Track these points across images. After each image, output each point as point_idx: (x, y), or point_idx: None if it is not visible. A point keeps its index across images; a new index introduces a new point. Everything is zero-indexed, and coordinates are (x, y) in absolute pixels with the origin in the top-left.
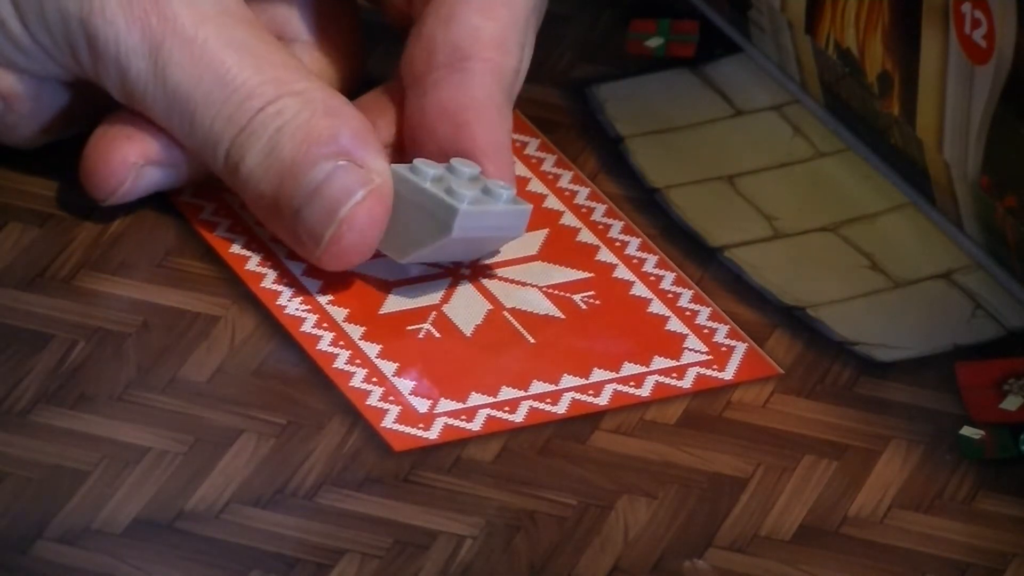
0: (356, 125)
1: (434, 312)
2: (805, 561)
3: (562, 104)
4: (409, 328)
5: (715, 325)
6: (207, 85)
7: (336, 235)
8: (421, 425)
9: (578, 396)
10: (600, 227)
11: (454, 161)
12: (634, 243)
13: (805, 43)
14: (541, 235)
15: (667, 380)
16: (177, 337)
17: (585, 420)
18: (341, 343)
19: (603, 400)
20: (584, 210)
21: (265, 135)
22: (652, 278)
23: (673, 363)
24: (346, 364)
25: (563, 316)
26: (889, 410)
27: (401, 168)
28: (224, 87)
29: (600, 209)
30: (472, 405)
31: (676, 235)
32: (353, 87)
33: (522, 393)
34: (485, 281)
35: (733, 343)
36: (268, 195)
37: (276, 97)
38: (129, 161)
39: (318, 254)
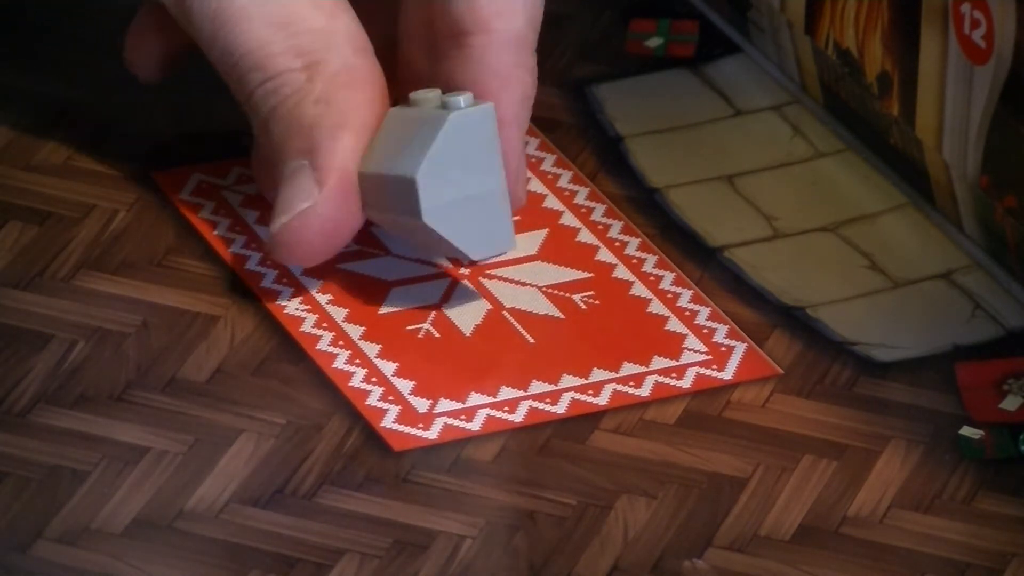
0: (339, 115)
1: (434, 312)
2: (804, 561)
3: (562, 104)
4: (409, 328)
5: (715, 325)
6: (222, 43)
7: (277, 234)
8: (421, 425)
9: (577, 396)
10: (600, 227)
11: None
12: (633, 243)
13: (804, 43)
14: (541, 235)
15: (667, 380)
16: (177, 337)
17: (585, 420)
18: (341, 343)
19: (603, 400)
20: (584, 210)
21: (262, 112)
22: (652, 278)
23: (673, 363)
24: (346, 364)
25: (563, 316)
26: (889, 410)
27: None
28: (231, 53)
29: (600, 209)
30: (472, 405)
31: (676, 235)
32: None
33: (521, 393)
34: (484, 281)
35: (733, 343)
36: (269, 163)
37: (277, 73)
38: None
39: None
